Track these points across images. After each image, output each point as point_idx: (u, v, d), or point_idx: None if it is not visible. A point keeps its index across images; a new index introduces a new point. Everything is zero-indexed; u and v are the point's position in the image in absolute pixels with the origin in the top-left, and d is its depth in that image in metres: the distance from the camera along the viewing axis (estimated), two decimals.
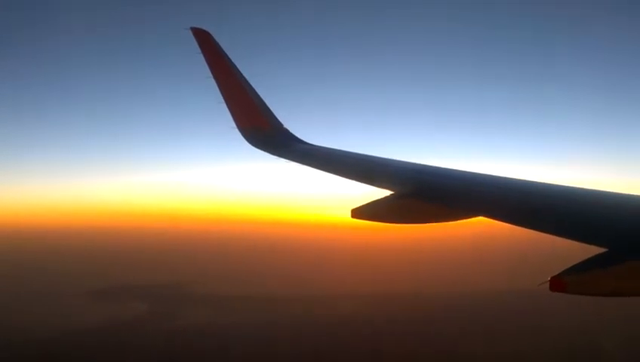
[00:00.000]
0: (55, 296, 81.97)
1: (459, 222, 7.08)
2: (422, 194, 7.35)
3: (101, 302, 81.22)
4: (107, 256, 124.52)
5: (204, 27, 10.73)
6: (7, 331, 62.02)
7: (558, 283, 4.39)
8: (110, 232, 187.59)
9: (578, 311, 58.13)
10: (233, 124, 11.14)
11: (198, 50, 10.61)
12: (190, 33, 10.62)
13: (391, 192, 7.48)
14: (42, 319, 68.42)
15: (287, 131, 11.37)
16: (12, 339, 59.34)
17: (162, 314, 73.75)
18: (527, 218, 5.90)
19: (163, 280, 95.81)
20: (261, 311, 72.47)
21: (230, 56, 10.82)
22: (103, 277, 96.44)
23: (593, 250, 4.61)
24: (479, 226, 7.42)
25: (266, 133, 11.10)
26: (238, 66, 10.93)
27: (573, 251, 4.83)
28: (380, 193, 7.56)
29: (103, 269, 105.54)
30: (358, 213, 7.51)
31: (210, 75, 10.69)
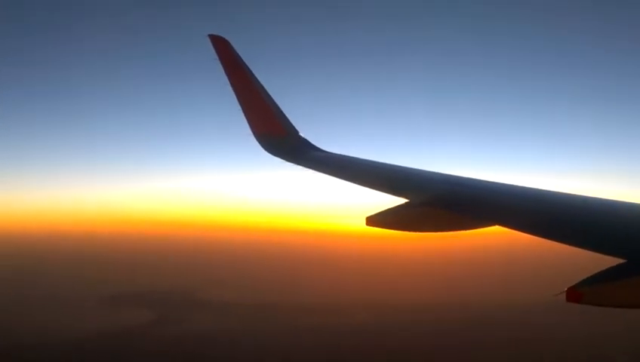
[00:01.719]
0: (59, 302, 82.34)
1: (474, 231, 7.05)
2: (437, 202, 7.34)
3: (106, 307, 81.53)
4: (116, 262, 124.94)
5: (222, 35, 10.84)
6: (10, 335, 62.54)
7: (575, 294, 4.35)
8: (123, 238, 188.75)
9: (594, 322, 57.38)
10: (250, 131, 11.22)
11: (216, 57, 10.71)
12: (208, 40, 10.72)
13: (406, 200, 7.48)
14: (46, 324, 68.92)
15: (303, 139, 11.40)
16: (14, 344, 59.82)
17: (171, 319, 74.04)
18: (543, 227, 5.86)
19: (177, 286, 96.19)
20: (272, 319, 72.44)
21: (248, 64, 10.90)
22: (109, 283, 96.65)
23: (611, 261, 4.57)
24: (495, 235, 7.38)
25: (283, 140, 11.14)
26: (256, 74, 11.01)
27: (590, 262, 4.79)
28: (396, 201, 7.56)
29: (111, 275, 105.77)
30: (373, 220, 7.51)
31: (227, 82, 10.78)
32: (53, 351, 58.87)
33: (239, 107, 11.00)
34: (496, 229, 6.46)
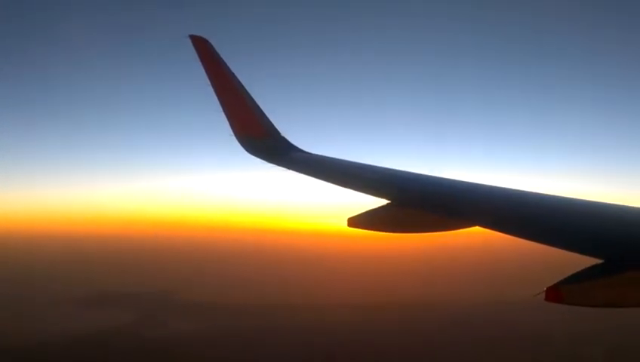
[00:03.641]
0: (43, 303, 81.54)
1: (456, 231, 7.08)
2: (418, 203, 7.36)
3: (89, 308, 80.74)
4: (97, 263, 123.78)
5: (203, 35, 10.76)
6: None
7: (555, 293, 4.39)
8: (102, 239, 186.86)
9: (574, 322, 58.12)
10: (231, 132, 11.15)
11: (197, 57, 10.63)
12: (189, 41, 10.63)
13: (387, 201, 7.48)
14: (29, 325, 68.02)
15: (284, 139, 11.36)
16: None
17: (153, 321, 73.43)
18: (522, 228, 5.90)
19: (154, 287, 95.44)
20: (253, 319, 72.20)
21: (229, 64, 10.83)
22: (92, 284, 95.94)
23: (590, 261, 4.62)
24: (476, 236, 7.43)
25: (264, 141, 11.09)
26: (237, 74, 10.94)
27: (570, 262, 4.83)
28: (377, 202, 7.56)
29: (93, 276, 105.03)
30: (355, 221, 7.51)
31: (208, 82, 10.70)
32: (36, 352, 58.20)
33: (220, 108, 10.94)
34: (476, 230, 6.49)
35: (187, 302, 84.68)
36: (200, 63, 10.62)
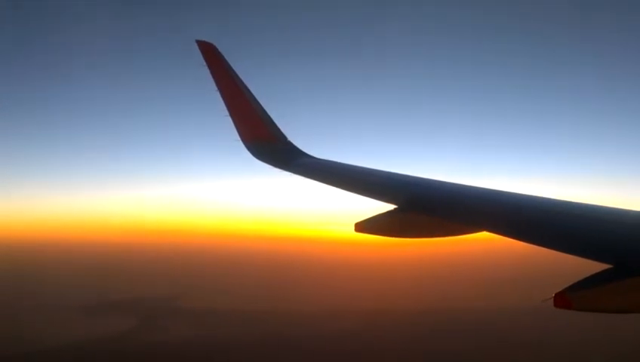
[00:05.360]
0: (47, 309, 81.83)
1: (462, 236, 7.05)
2: (425, 208, 7.32)
3: (94, 314, 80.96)
4: (102, 269, 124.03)
5: (210, 40, 10.80)
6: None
7: (563, 299, 4.36)
8: (108, 246, 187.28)
9: (581, 328, 57.80)
10: (237, 137, 11.17)
11: (204, 62, 10.66)
12: (196, 46, 10.66)
13: (394, 206, 7.45)
14: (33, 331, 68.50)
15: (291, 144, 11.36)
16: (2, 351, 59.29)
17: (159, 326, 73.56)
18: (530, 233, 5.86)
19: (163, 293, 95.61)
20: (260, 325, 72.14)
21: (235, 69, 10.86)
22: (96, 290, 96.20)
23: (598, 266, 4.58)
24: (483, 241, 7.39)
25: (271, 146, 11.09)
26: (244, 79, 10.97)
27: (578, 267, 4.81)
28: (384, 207, 7.53)
29: (98, 282, 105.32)
30: (362, 226, 7.48)
31: (215, 87, 10.73)
32: (38, 357, 58.36)
33: (227, 113, 10.96)
34: (484, 235, 6.46)
35: (193, 308, 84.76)
36: (207, 68, 10.67)
